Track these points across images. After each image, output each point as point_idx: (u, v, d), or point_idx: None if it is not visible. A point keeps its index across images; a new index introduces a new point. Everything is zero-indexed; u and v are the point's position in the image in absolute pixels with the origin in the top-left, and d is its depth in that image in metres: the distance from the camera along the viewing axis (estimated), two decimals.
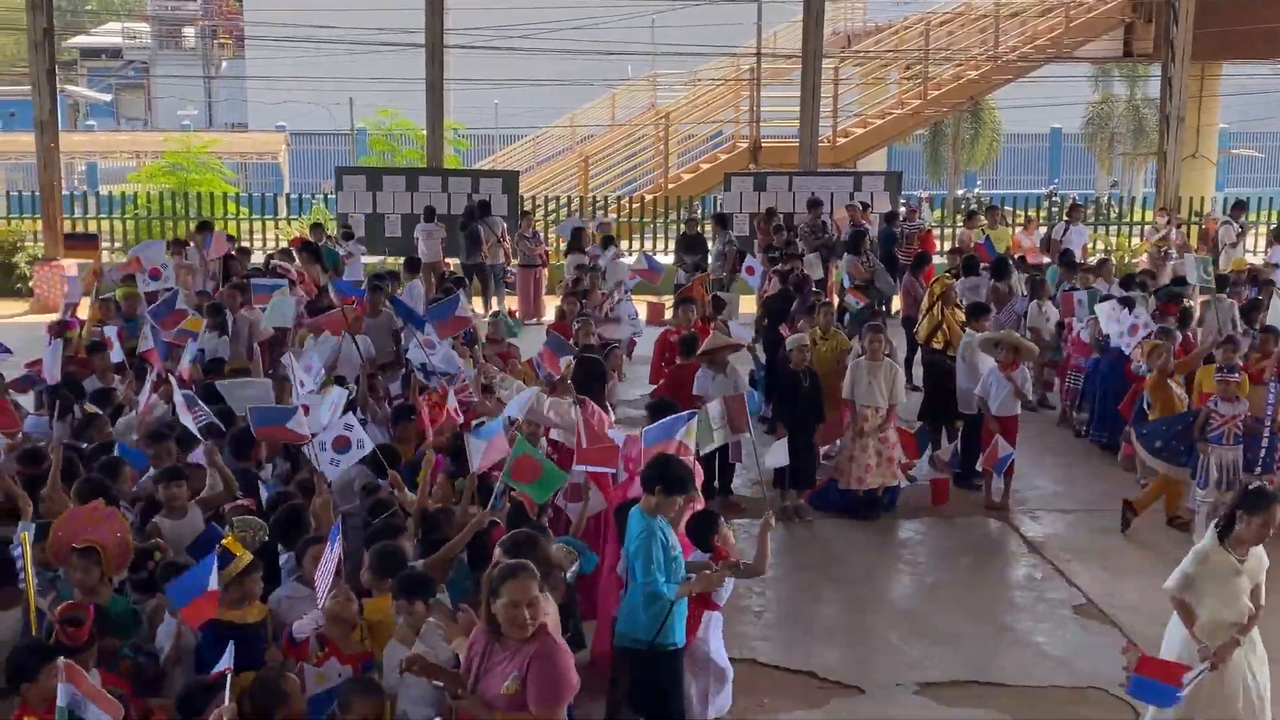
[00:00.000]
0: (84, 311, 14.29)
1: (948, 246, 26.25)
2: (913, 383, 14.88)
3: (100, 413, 9.71)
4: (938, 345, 13.89)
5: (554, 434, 9.73)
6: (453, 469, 8.81)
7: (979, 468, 12.76)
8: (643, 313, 16.01)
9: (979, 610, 10.25)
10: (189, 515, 8.00)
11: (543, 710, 5.66)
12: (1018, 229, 22.50)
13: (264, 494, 8.58)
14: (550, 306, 20.13)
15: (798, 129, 24.92)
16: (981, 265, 16.88)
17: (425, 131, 25.04)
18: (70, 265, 21.95)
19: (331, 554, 6.48)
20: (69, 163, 34.57)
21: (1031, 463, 13.46)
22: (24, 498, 7.74)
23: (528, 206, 25.39)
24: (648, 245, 27.36)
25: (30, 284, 22.79)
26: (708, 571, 7.38)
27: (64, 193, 25.21)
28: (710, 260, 20.65)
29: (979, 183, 43.22)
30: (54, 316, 14.76)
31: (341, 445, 8.44)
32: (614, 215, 27.08)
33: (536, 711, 5.64)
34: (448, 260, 22.00)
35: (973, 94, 31.09)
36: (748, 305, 19.62)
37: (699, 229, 21.92)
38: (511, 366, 12.38)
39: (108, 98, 55.00)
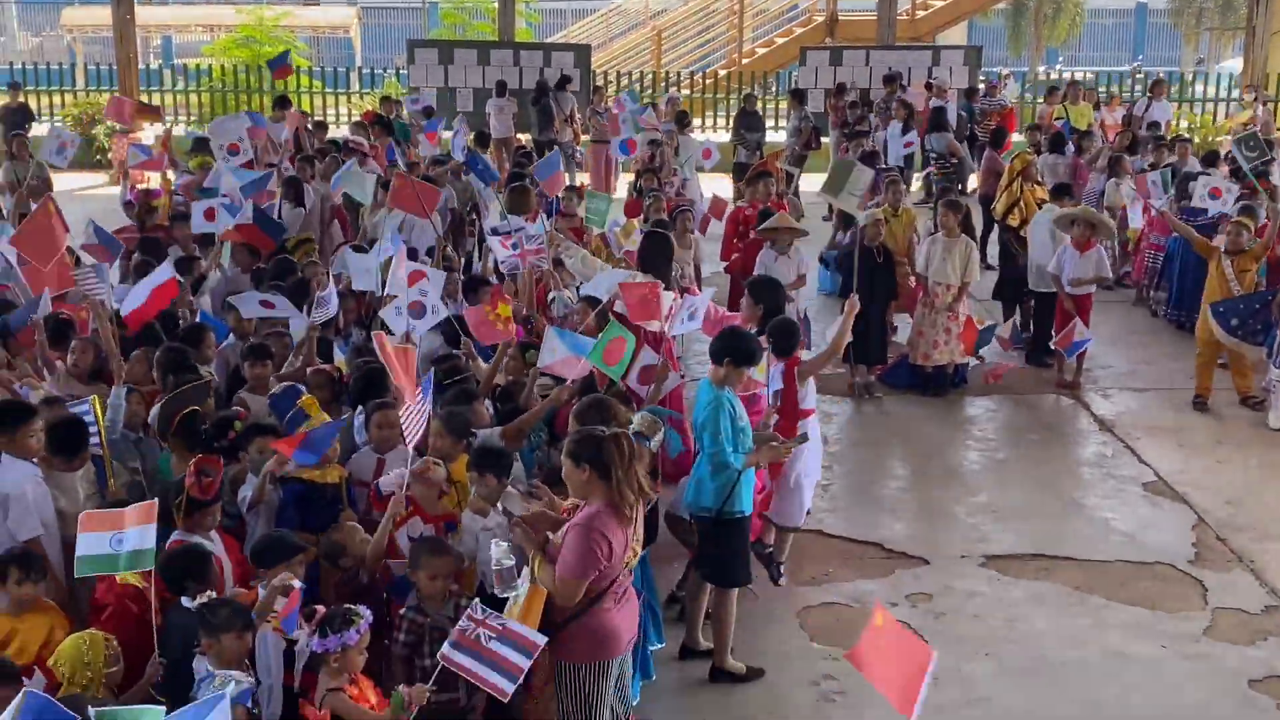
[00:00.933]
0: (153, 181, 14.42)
1: (1028, 124, 25.93)
2: (987, 261, 14.76)
3: (183, 280, 9.87)
4: (1013, 222, 13.72)
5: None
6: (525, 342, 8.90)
7: (1052, 346, 12.66)
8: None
9: (1047, 486, 10.27)
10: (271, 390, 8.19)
11: (558, 578, 5.64)
12: (1100, 106, 22.03)
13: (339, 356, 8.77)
14: (622, 183, 20.10)
15: (875, 2, 24.42)
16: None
17: (496, 5, 24.83)
18: (143, 136, 22.13)
19: (421, 406, 6.60)
20: (144, 36, 34.73)
21: (1105, 341, 13.35)
22: (119, 360, 7.92)
23: (600, 82, 25.19)
24: (720, 122, 27.14)
25: (109, 154, 23.03)
26: (774, 444, 7.45)
27: (140, 66, 25.35)
28: (786, 136, 20.45)
29: (1061, 59, 42.22)
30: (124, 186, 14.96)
31: (416, 309, 8.57)
32: (687, 91, 26.81)
33: (558, 575, 5.63)
34: (519, 135, 21.95)
35: None
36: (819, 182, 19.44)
37: (757, 106, 21.66)
38: (584, 241, 12.40)
39: None
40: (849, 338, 8.72)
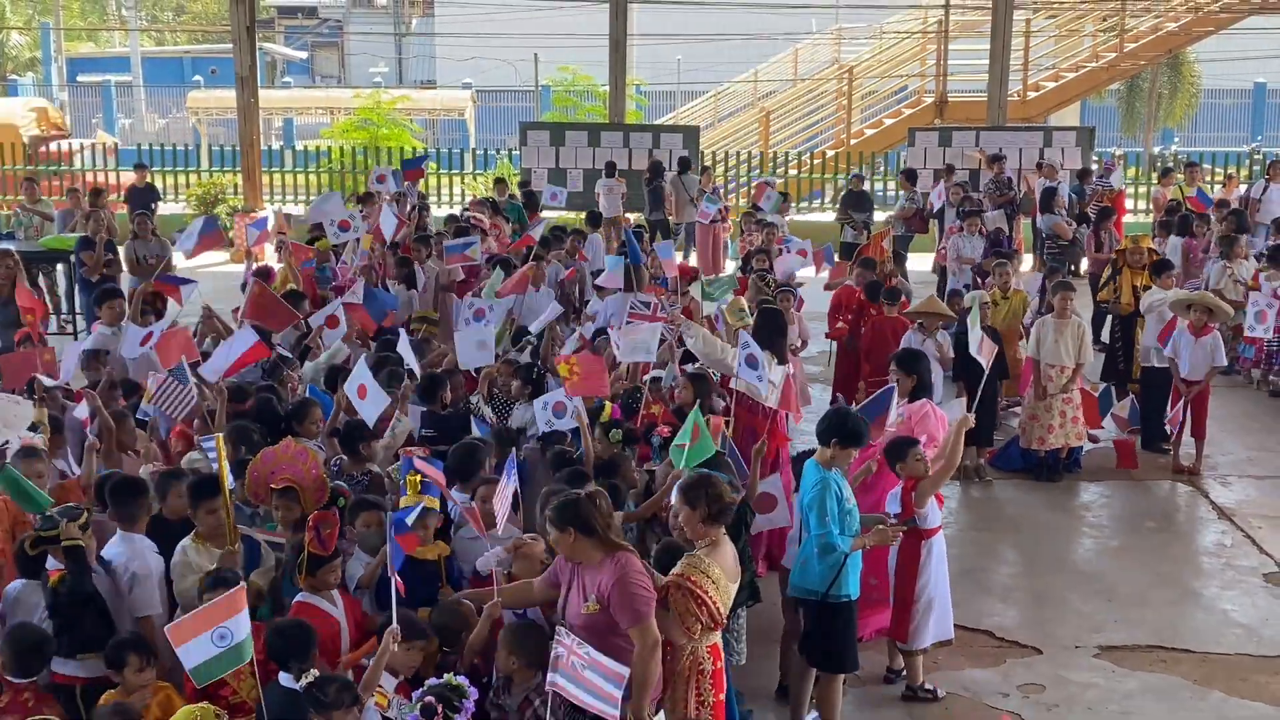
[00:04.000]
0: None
1: (1140, 205, 25.59)
2: (1101, 340, 14.56)
3: (290, 356, 10.09)
4: (1103, 299, 13.54)
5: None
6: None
7: (1167, 427, 12.40)
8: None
9: (1164, 575, 10.00)
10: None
11: (633, 624, 5.81)
12: (1217, 188, 21.66)
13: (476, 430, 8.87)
14: (730, 264, 20.18)
15: (986, 83, 24.35)
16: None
17: (607, 87, 25.20)
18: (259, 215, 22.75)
19: (507, 486, 6.65)
20: (267, 118, 35.81)
21: (1223, 427, 13.03)
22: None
23: (708, 162, 25.38)
24: (829, 202, 27.21)
25: (230, 234, 23.68)
26: (881, 526, 7.36)
27: (262, 147, 26.11)
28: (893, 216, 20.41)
29: (1176, 139, 41.65)
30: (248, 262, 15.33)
31: (560, 409, 8.60)
32: (794, 171, 26.91)
33: (627, 628, 5.80)
34: (627, 215, 22.16)
35: (1171, 47, 29.90)
36: (924, 261, 19.40)
37: (864, 186, 21.67)
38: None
39: (304, 55, 56.67)
40: (961, 453, 8.31)
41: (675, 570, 6.14)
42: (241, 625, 5.25)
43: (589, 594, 5.90)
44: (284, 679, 5.60)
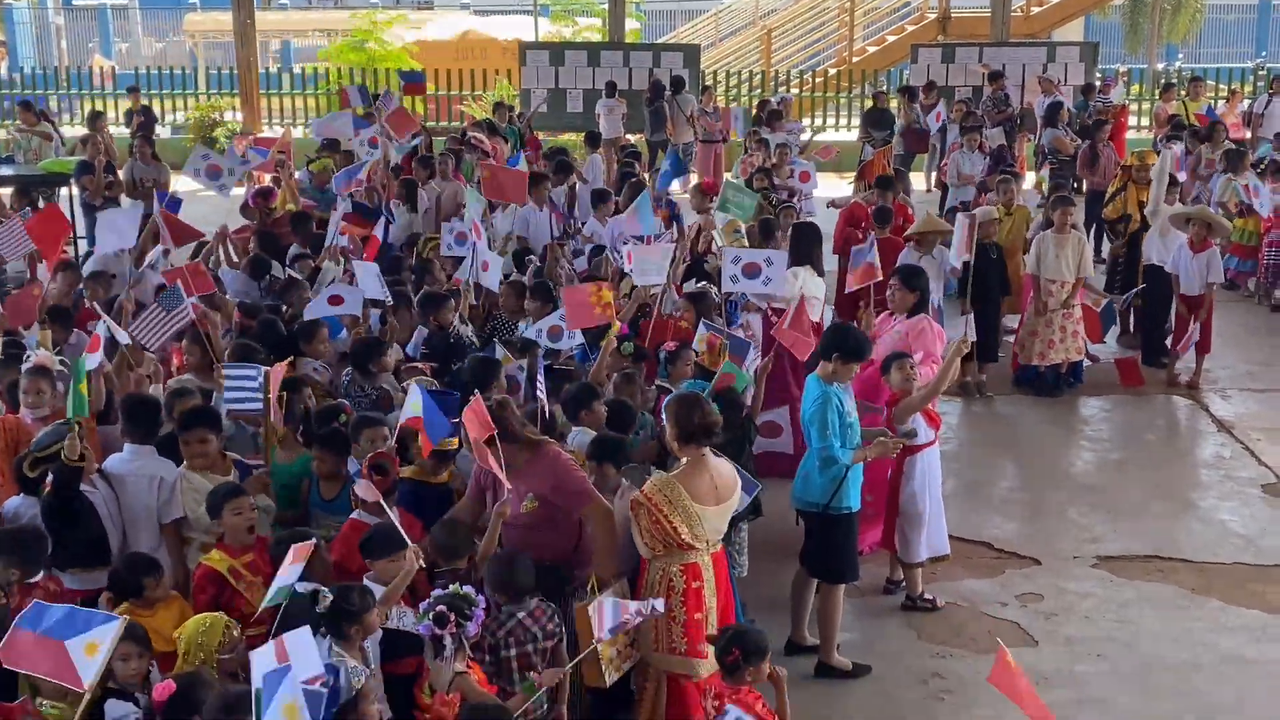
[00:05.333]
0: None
1: (1145, 122, 25.44)
2: (1101, 255, 14.57)
3: (299, 278, 10.09)
4: (1110, 215, 13.50)
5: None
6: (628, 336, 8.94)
7: (1170, 347, 12.46)
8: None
9: (1163, 487, 10.08)
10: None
11: (584, 505, 6.26)
12: (1220, 103, 21.54)
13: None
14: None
15: None
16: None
17: (606, 5, 24.97)
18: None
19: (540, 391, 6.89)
20: (264, 41, 35.47)
21: (1223, 340, 13.04)
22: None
23: (709, 82, 25.20)
24: (830, 120, 27.04)
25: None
26: (882, 439, 7.42)
27: (259, 70, 25.94)
28: (896, 135, 20.33)
29: (1180, 55, 41.24)
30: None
31: (555, 333, 8.87)
32: (796, 90, 26.71)
33: (579, 511, 6.26)
34: (628, 135, 22.05)
35: None
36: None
37: (886, 102, 21.51)
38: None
39: None
40: (952, 377, 8.33)
41: (645, 486, 6.22)
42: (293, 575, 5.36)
43: (524, 494, 6.15)
44: (300, 586, 5.70)
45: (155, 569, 5.90)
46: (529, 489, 6.18)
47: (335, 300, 8.93)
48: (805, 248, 10.24)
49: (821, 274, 10.20)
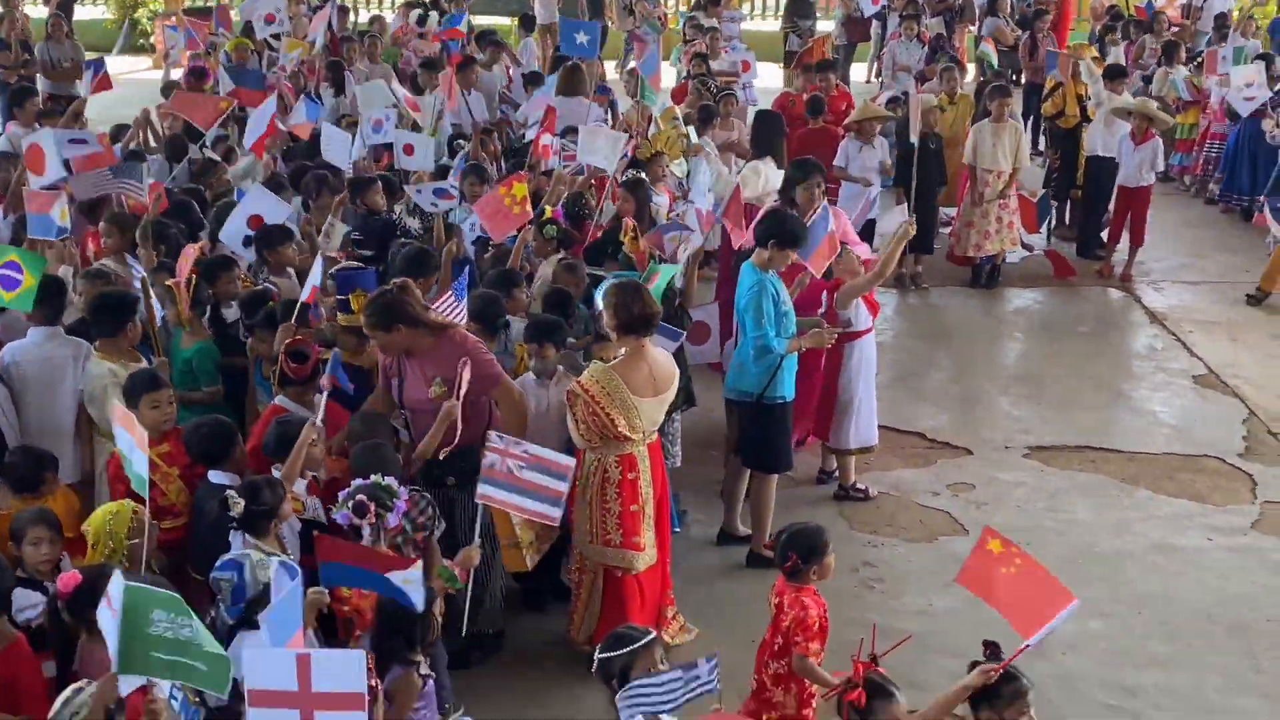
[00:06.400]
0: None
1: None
2: (1037, 148, 14.49)
3: (218, 159, 9.77)
4: (1048, 111, 13.36)
5: None
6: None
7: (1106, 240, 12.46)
8: None
9: (1095, 378, 10.10)
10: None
11: (493, 387, 6.10)
12: None
13: None
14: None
15: None
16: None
17: None
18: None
19: (459, 298, 6.60)
20: None
21: (1158, 233, 13.04)
22: (148, 246, 7.84)
23: None
24: (759, 6, 26.64)
25: (152, 39, 22.86)
26: (817, 329, 7.32)
27: None
28: (835, 25, 20.00)
29: None
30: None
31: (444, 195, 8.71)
32: None
33: (488, 393, 6.09)
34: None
35: None
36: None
37: None
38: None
39: None
40: (895, 263, 8.21)
41: (582, 376, 6.09)
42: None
43: (431, 379, 5.99)
44: (214, 476, 5.55)
45: (54, 463, 5.75)
46: (436, 373, 6.01)
47: (255, 221, 8.56)
48: (766, 137, 10.03)
49: (782, 166, 9.95)
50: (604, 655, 4.51)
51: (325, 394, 5.91)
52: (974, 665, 4.49)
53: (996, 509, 8.08)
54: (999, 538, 4.69)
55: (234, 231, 8.01)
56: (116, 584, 3.70)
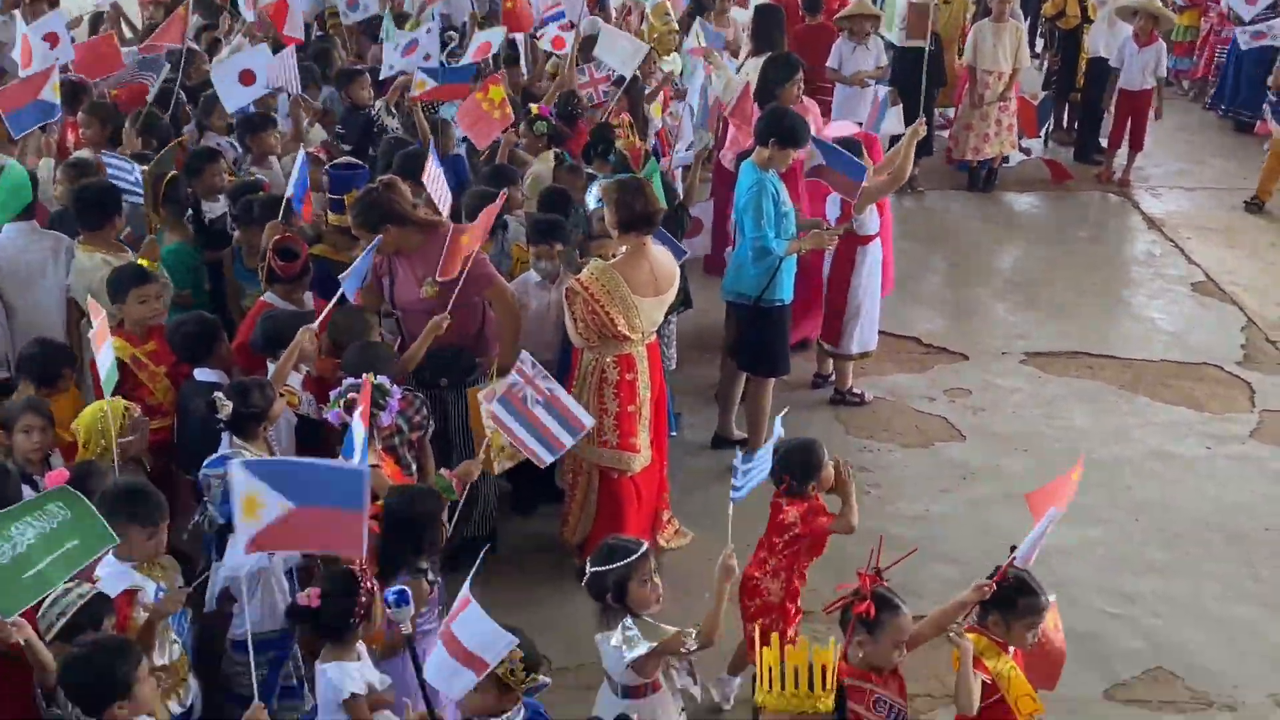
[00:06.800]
0: None
1: None
2: (1035, 50, 14.25)
3: (198, 49, 9.52)
4: (1048, 12, 13.09)
5: None
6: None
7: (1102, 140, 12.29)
8: None
9: (1092, 284, 9.98)
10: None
11: (487, 288, 6.01)
12: None
13: None
14: None
15: None
16: None
17: None
18: None
19: (436, 170, 6.47)
20: None
21: (1157, 139, 12.85)
22: (129, 132, 7.65)
23: None
24: None
25: None
26: (817, 230, 7.16)
27: None
28: None
29: None
30: None
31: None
32: None
33: (483, 293, 6.01)
34: None
35: None
36: None
37: None
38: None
39: None
40: (911, 165, 7.91)
41: (582, 274, 5.95)
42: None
43: (423, 278, 5.87)
44: (200, 374, 5.43)
45: (71, 359, 5.66)
46: (428, 272, 5.87)
47: (247, 78, 8.32)
48: (767, 32, 9.76)
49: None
50: (596, 569, 4.40)
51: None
52: (995, 571, 4.40)
53: (993, 414, 8.01)
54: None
55: (227, 85, 7.89)
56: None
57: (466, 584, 3.79)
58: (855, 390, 8.14)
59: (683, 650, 4.27)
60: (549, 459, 5.22)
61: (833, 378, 8.23)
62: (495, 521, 6.48)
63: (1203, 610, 6.22)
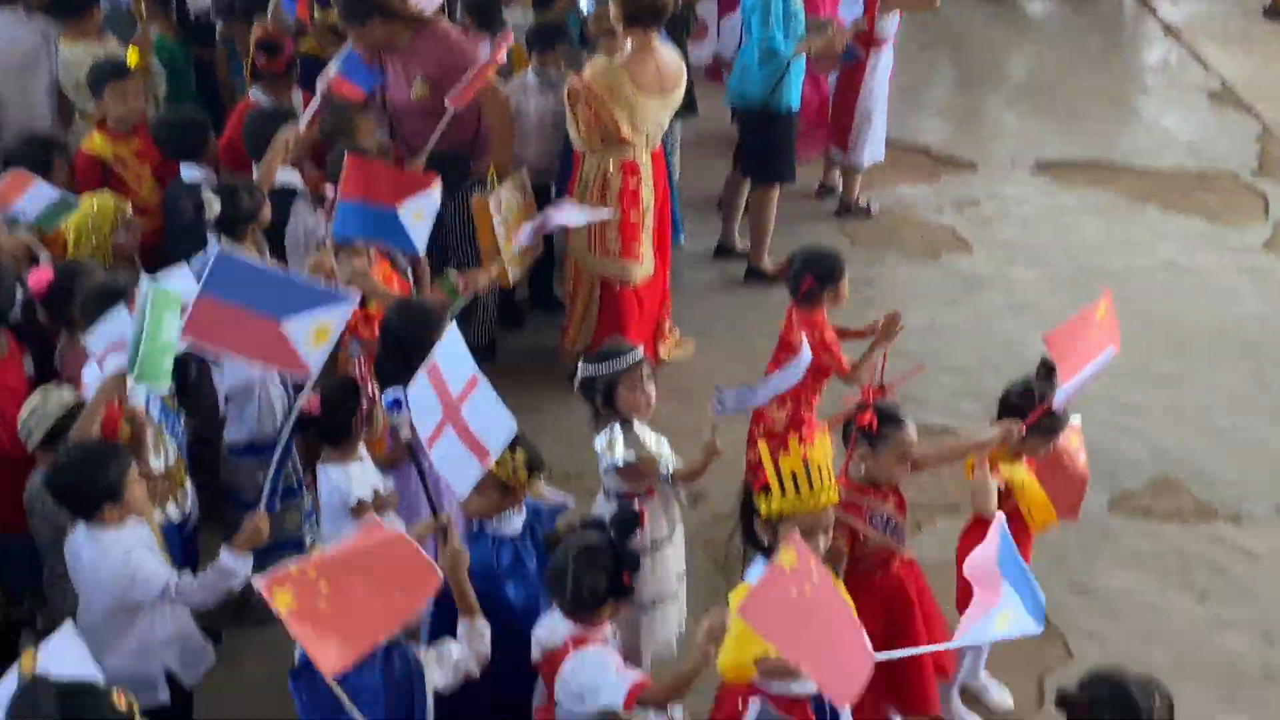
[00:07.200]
0: None
1: None
2: None
3: None
4: None
5: None
6: None
7: None
8: None
9: (1106, 91, 9.69)
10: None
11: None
12: None
13: None
14: None
15: None
16: None
17: None
18: None
19: None
20: None
21: None
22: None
23: None
24: None
25: None
26: (829, 31, 6.88)
27: None
28: None
29: None
30: None
31: None
32: None
33: (484, 96, 5.68)
34: None
35: None
36: None
37: None
38: None
39: None
40: None
41: (585, 72, 5.71)
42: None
43: (412, 77, 5.68)
44: (186, 172, 5.26)
45: (63, 148, 5.48)
46: (418, 71, 5.67)
47: None
48: None
49: None
50: (588, 368, 4.27)
51: None
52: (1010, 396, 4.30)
53: (1003, 226, 7.85)
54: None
55: None
56: (144, 288, 3.59)
57: (473, 364, 3.65)
58: (862, 202, 7.94)
59: (659, 476, 4.21)
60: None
61: (838, 188, 8.02)
62: (495, 332, 6.37)
63: (1212, 422, 6.18)
